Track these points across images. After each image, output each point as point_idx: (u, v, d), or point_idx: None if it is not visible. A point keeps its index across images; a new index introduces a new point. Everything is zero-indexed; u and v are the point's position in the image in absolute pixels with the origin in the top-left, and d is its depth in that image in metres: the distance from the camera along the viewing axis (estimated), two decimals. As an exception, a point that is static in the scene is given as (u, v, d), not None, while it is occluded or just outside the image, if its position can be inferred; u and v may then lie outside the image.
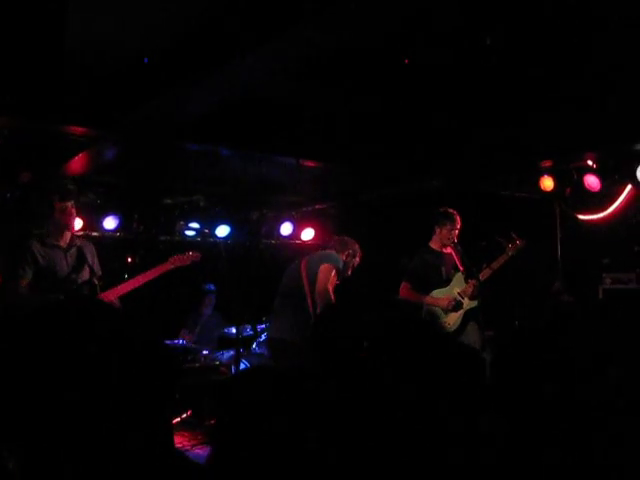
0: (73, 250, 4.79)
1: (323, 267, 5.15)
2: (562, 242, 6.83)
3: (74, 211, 4.74)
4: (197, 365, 6.60)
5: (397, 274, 5.96)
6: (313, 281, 5.14)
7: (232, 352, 6.68)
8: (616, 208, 6.28)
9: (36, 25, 3.90)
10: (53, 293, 4.51)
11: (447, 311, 5.64)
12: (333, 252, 5.42)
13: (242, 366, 6.08)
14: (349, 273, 5.51)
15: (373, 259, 6.19)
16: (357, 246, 5.53)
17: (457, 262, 5.77)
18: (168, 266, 5.33)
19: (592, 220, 6.46)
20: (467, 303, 5.65)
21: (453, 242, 5.75)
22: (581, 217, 6.56)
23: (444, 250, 5.82)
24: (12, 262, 4.66)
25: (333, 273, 5.16)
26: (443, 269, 5.77)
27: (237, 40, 3.96)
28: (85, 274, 4.81)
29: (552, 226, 6.85)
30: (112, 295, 4.87)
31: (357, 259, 5.52)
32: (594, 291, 6.31)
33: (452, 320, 5.64)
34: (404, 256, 6.09)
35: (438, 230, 5.79)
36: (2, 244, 5.50)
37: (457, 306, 5.62)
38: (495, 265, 5.68)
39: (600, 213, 6.39)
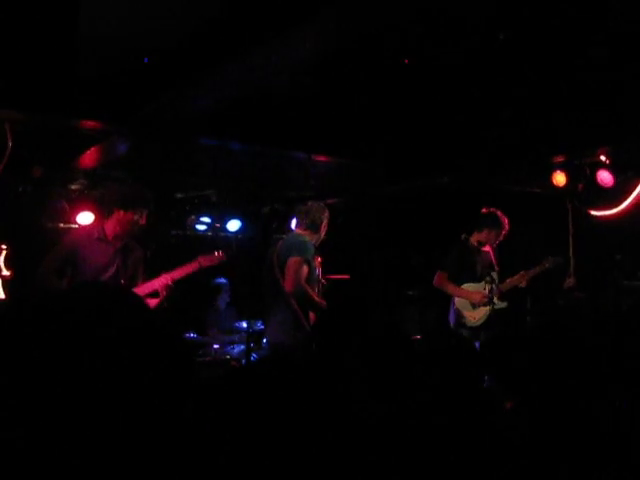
0: (122, 251, 4.71)
1: (290, 262, 4.77)
2: (574, 238, 6.80)
3: (144, 221, 4.67)
4: (207, 359, 6.62)
5: (406, 269, 5.95)
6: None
7: (243, 346, 6.70)
8: (629, 204, 6.23)
9: (49, 20, 3.92)
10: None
11: (476, 306, 5.66)
12: (300, 234, 5.06)
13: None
14: (323, 236, 5.17)
15: (382, 254, 6.17)
16: (322, 210, 5.14)
17: (493, 262, 5.74)
18: (195, 266, 4.92)
19: (605, 216, 6.41)
20: (497, 303, 5.64)
21: (495, 243, 5.80)
22: (594, 213, 6.51)
23: (482, 248, 5.81)
24: (47, 252, 4.62)
25: (304, 267, 4.78)
26: (478, 266, 5.80)
27: (249, 35, 3.96)
28: (127, 275, 4.71)
29: (564, 222, 6.82)
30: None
31: (325, 224, 5.13)
32: (606, 287, 6.27)
33: (478, 315, 5.69)
34: (414, 253, 6.08)
35: (487, 230, 5.79)
36: (16, 237, 5.54)
37: (488, 302, 5.61)
38: (531, 273, 5.79)
39: (613, 209, 6.33)
